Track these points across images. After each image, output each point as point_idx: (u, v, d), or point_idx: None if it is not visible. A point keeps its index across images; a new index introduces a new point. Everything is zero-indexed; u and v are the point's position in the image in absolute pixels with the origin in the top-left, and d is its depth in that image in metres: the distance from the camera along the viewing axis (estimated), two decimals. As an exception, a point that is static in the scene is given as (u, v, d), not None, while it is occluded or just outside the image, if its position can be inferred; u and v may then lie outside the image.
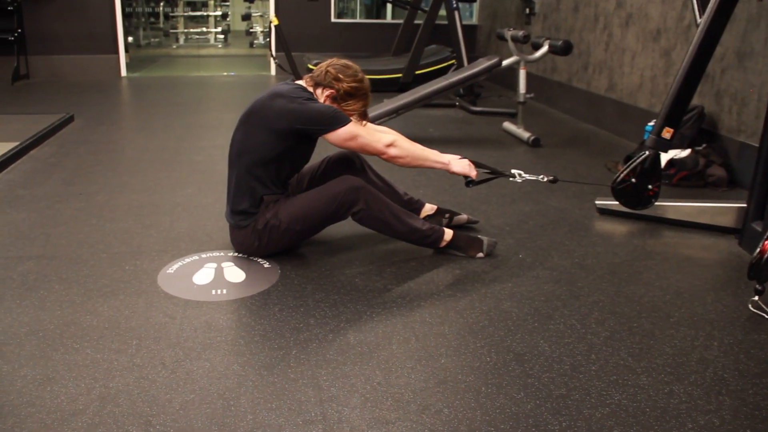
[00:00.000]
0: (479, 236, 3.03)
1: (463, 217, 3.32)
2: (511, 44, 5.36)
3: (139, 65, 9.90)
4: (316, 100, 2.75)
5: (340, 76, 2.75)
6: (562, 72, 6.79)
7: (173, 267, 2.81)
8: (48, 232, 3.18)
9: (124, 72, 8.73)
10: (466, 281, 2.75)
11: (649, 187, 3.30)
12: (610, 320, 2.47)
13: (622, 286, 2.76)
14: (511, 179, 3.23)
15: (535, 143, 5.19)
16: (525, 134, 5.29)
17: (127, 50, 9.33)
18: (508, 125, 5.70)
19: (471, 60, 6.95)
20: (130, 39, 11.95)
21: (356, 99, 2.79)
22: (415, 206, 3.25)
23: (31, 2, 8.19)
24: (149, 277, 2.72)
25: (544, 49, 5.25)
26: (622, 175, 3.30)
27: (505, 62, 5.22)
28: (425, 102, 5.21)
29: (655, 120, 4.72)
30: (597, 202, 3.68)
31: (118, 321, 2.36)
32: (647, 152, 3.28)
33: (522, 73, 5.33)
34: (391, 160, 2.80)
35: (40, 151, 4.76)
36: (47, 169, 4.29)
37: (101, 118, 5.97)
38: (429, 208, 3.28)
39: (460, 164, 2.94)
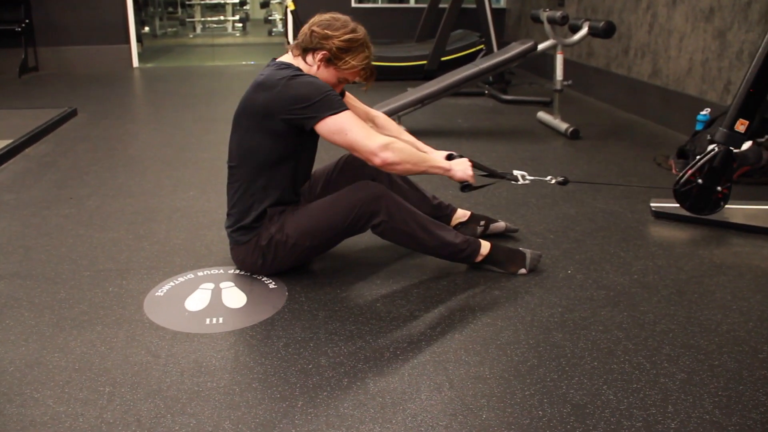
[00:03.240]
0: (520, 248, 2.59)
1: (501, 224, 2.88)
2: (547, 27, 4.88)
3: (153, 56, 9.56)
4: (303, 74, 2.29)
5: (328, 32, 2.29)
6: (599, 57, 6.29)
7: (164, 288, 2.41)
8: (28, 245, 2.81)
9: (136, 63, 8.37)
10: (507, 305, 2.32)
11: (718, 188, 2.84)
12: (684, 357, 2.02)
13: (694, 310, 2.31)
14: (513, 183, 2.75)
15: (573, 135, 4.72)
16: (563, 125, 4.82)
17: (140, 40, 8.98)
18: (543, 115, 5.23)
19: (500, 46, 6.49)
20: (146, 29, 11.66)
21: (354, 53, 2.32)
22: (446, 212, 2.82)
23: (39, -9, 7.85)
24: (135, 301, 2.32)
25: (584, 31, 4.76)
26: (686, 175, 2.83)
27: (540, 46, 4.75)
28: (454, 90, 4.77)
29: (708, 109, 4.25)
30: (652, 204, 3.22)
31: (91, 361, 1.96)
32: (716, 148, 2.81)
33: (559, 58, 4.85)
34: (384, 167, 2.28)
35: (36, 149, 4.40)
36: (40, 169, 3.93)
37: (106, 112, 5.60)
38: (461, 215, 2.85)
39: (462, 168, 2.45)
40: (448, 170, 2.43)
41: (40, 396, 1.79)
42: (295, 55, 2.37)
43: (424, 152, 2.53)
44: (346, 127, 2.23)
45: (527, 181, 2.72)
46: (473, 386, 1.85)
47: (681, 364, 1.98)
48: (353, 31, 2.32)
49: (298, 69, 2.31)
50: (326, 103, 2.22)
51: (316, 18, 2.35)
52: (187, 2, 13.93)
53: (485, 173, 2.70)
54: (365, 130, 2.26)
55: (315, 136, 2.38)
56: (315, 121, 2.23)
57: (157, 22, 12.64)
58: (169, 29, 13.34)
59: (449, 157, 2.54)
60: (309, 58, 2.33)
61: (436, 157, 2.48)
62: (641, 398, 1.81)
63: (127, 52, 8.32)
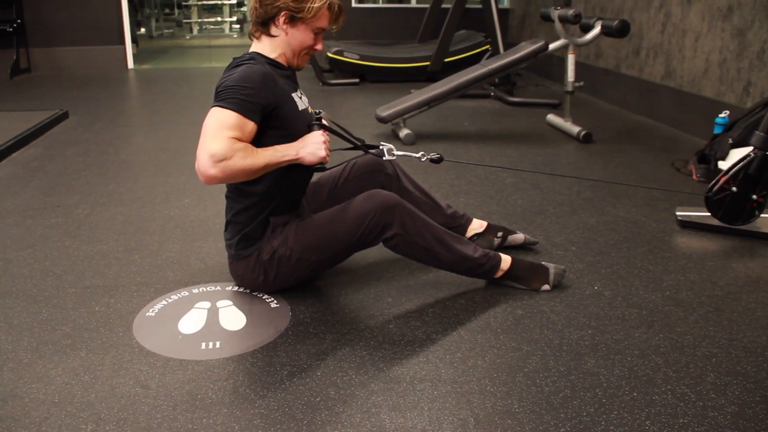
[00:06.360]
0: (543, 262, 2.39)
1: (520, 236, 2.67)
2: (558, 25, 4.68)
3: (148, 57, 9.35)
4: (243, 63, 2.07)
5: None
6: (609, 57, 6.10)
7: (155, 308, 2.20)
8: (9, 258, 2.60)
9: (131, 64, 8.16)
10: (532, 327, 2.11)
11: (754, 197, 2.64)
12: (732, 386, 1.82)
13: (735, 331, 2.11)
14: (378, 158, 2.44)
15: (586, 139, 4.52)
16: (574, 128, 4.62)
17: (136, 41, 8.78)
18: (553, 118, 5.03)
19: (504, 47, 6.29)
20: (142, 30, 11.45)
21: None
22: (461, 222, 2.62)
23: (31, -10, 7.63)
24: (123, 322, 2.12)
25: (596, 30, 4.56)
26: (720, 182, 2.64)
27: (552, 46, 4.55)
28: (462, 92, 4.57)
29: (726, 111, 4.06)
30: (678, 212, 3.02)
31: (72, 392, 1.75)
32: (752, 154, 2.61)
33: (570, 59, 4.65)
34: (206, 180, 1.93)
35: (24, 153, 4.19)
36: (27, 175, 3.71)
37: (98, 115, 5.39)
38: (477, 225, 2.65)
39: (312, 149, 2.07)
40: (297, 158, 2.07)
41: (13, 436, 1.59)
42: (257, 38, 2.16)
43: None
44: (207, 126, 1.95)
45: (393, 157, 2.41)
46: (502, 422, 1.65)
47: (729, 394, 1.78)
48: None
49: (252, 56, 2.11)
50: (223, 94, 1.99)
51: None
52: (184, 3, 13.71)
53: (347, 148, 2.40)
54: (215, 138, 1.91)
55: (295, 126, 2.14)
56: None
57: (154, 23, 12.43)
58: (166, 30, 13.13)
59: (310, 127, 2.17)
60: (272, 29, 2.12)
61: (280, 149, 2.06)
62: (690, 436, 1.61)
63: (121, 53, 8.11)
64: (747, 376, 1.86)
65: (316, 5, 2.07)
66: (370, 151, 2.41)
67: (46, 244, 2.74)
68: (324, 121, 2.19)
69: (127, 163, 4.00)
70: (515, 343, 2.01)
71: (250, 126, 1.98)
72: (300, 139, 2.10)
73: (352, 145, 2.36)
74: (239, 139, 1.95)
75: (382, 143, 2.45)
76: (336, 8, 2.14)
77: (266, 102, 2.02)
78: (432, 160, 2.49)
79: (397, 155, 2.42)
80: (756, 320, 2.18)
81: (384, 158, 2.40)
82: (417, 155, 2.49)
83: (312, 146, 2.07)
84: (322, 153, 2.07)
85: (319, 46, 2.19)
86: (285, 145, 2.07)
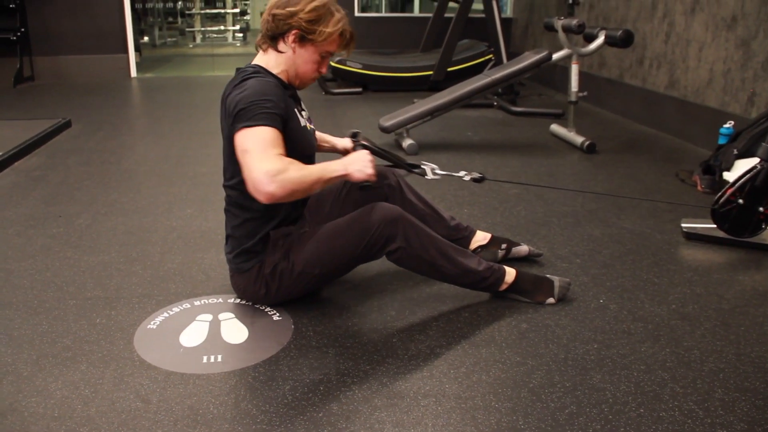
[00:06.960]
0: (547, 275, 2.37)
1: (524, 248, 2.65)
2: (561, 35, 4.67)
3: (151, 65, 9.37)
4: (252, 76, 2.06)
5: (291, 9, 2.04)
6: (612, 67, 6.09)
7: (157, 320, 2.18)
8: (10, 268, 2.58)
9: (134, 72, 8.17)
10: (537, 341, 2.09)
11: (760, 209, 2.62)
12: (741, 402, 1.80)
13: (743, 346, 2.09)
14: (421, 176, 2.47)
15: (590, 149, 4.50)
16: (578, 138, 4.60)
17: (139, 50, 8.80)
18: (556, 128, 5.01)
19: (507, 56, 6.29)
20: (145, 39, 11.49)
21: (325, 20, 2.05)
22: (464, 234, 2.60)
23: (35, -1, 7.66)
24: (124, 335, 2.10)
25: (600, 40, 4.55)
26: (726, 195, 2.61)
27: (555, 56, 4.54)
28: (465, 102, 4.56)
29: (731, 121, 4.04)
30: (683, 224, 3.00)
31: (72, 407, 1.73)
32: (758, 166, 2.59)
33: (574, 68, 4.64)
34: (266, 198, 1.90)
35: (26, 162, 4.18)
36: (29, 184, 3.70)
37: (101, 124, 5.38)
38: (481, 237, 2.63)
39: (359, 167, 2.04)
40: (345, 174, 2.05)
41: (12, 452, 1.57)
42: (264, 50, 2.14)
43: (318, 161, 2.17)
44: (249, 148, 1.92)
45: (437, 177, 2.44)
46: (507, 439, 1.63)
47: (738, 411, 1.76)
48: None
49: (257, 70, 2.10)
50: (249, 111, 1.95)
51: (272, 1, 2.10)
52: (187, 12, 13.76)
53: (390, 165, 2.41)
54: (264, 154, 1.90)
55: (300, 144, 2.13)
56: (234, 131, 1.98)
57: (157, 32, 12.47)
58: (169, 39, 13.18)
59: (354, 147, 2.18)
60: (281, 45, 2.10)
61: (329, 164, 2.04)
62: (699, 454, 1.59)
63: (124, 62, 8.12)
64: (756, 392, 1.84)
65: (328, 30, 2.06)
66: (413, 170, 2.42)
67: (48, 254, 2.72)
68: (363, 141, 2.21)
69: (129, 172, 3.99)
70: (520, 358, 1.99)
71: (282, 138, 1.98)
72: (346, 156, 2.10)
73: (393, 164, 2.37)
74: (283, 155, 1.95)
75: (424, 162, 2.49)
76: (348, 35, 2.13)
77: (283, 113, 2.02)
78: (474, 180, 2.51)
79: (441, 174, 2.45)
80: (764, 334, 2.16)
81: (427, 177, 2.42)
82: (459, 174, 2.49)
83: (359, 163, 2.05)
84: (370, 170, 2.04)
85: (323, 70, 2.17)
86: (332, 162, 2.05)
